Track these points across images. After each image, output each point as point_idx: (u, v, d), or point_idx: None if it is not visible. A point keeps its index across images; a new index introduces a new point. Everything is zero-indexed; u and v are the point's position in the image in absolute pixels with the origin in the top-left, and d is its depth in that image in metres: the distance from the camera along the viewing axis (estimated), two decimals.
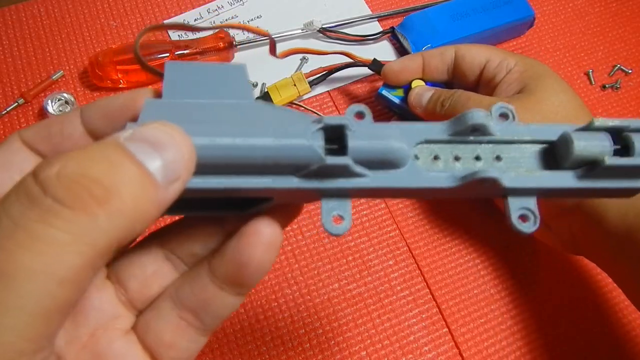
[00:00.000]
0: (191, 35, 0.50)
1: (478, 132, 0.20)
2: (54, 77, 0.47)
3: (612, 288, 0.44)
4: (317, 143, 0.18)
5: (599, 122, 0.20)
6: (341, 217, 0.19)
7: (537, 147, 0.21)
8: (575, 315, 0.43)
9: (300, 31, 0.51)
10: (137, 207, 0.15)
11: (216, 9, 0.53)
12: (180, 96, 0.20)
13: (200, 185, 0.18)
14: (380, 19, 0.53)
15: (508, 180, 0.19)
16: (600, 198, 0.23)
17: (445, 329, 0.41)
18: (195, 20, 0.52)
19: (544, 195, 0.20)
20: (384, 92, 0.46)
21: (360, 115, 0.20)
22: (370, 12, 0.54)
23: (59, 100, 0.45)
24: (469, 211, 0.45)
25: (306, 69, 0.49)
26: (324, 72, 0.48)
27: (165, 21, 0.52)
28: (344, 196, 0.20)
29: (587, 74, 0.53)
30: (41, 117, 0.46)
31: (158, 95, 0.20)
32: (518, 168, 0.20)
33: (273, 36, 0.50)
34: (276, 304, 0.41)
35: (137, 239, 0.22)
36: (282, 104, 0.47)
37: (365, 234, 0.44)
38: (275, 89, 0.47)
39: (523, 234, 0.20)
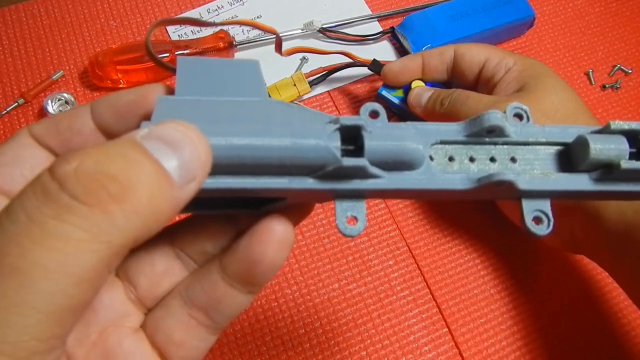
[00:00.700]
0: (191, 35, 0.50)
1: (494, 133, 0.20)
2: (54, 77, 0.47)
3: (612, 288, 0.44)
4: (334, 144, 0.18)
5: (615, 124, 0.19)
6: (355, 218, 0.19)
7: (553, 149, 0.21)
8: (575, 315, 0.43)
9: (300, 31, 0.51)
10: (153, 205, 0.15)
11: (216, 9, 0.53)
12: (193, 93, 0.19)
13: (215, 186, 0.18)
14: (380, 19, 0.53)
15: (523, 183, 0.19)
16: (614, 200, 0.23)
17: (445, 329, 0.41)
18: None
19: (558, 197, 0.20)
20: (384, 93, 0.46)
21: (374, 114, 0.20)
22: (370, 12, 0.54)
23: (59, 100, 0.45)
24: (469, 211, 0.45)
25: (306, 69, 0.49)
26: (324, 72, 0.48)
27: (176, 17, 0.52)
28: (358, 197, 0.19)
29: (587, 74, 0.53)
30: (41, 117, 0.46)
31: (169, 90, 0.20)
32: (533, 170, 0.20)
33: (272, 37, 0.50)
34: (276, 304, 0.41)
35: None
36: None
37: (365, 234, 0.44)
38: (275, 89, 0.47)
39: (536, 237, 0.19)
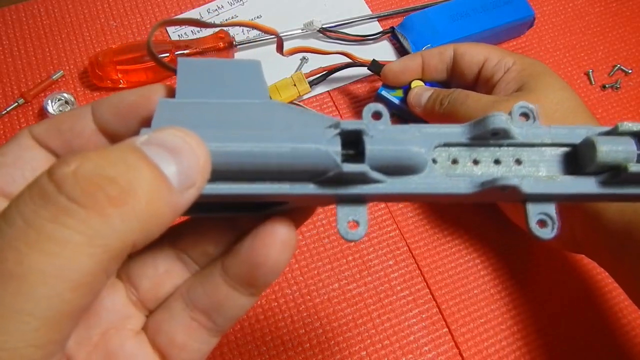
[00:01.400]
0: (191, 35, 0.50)
1: (498, 135, 0.20)
2: (54, 77, 0.47)
3: (612, 288, 0.44)
4: (334, 149, 0.18)
5: (624, 126, 0.19)
6: (357, 223, 0.19)
7: (559, 151, 0.20)
8: (575, 315, 0.43)
9: (300, 31, 0.51)
10: (152, 210, 0.15)
11: (216, 9, 0.53)
12: (194, 94, 0.19)
13: (215, 192, 0.18)
14: (380, 19, 0.53)
15: (528, 187, 0.19)
16: (622, 202, 0.23)
17: (445, 329, 0.41)
18: None
19: (564, 200, 0.20)
20: (384, 93, 0.46)
21: (377, 115, 0.19)
22: (370, 12, 0.54)
23: (59, 100, 0.45)
24: (469, 212, 0.45)
25: (306, 69, 0.49)
26: (324, 72, 0.48)
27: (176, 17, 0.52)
28: (360, 202, 0.19)
29: (587, 74, 0.53)
30: (41, 117, 0.46)
31: (171, 91, 0.20)
32: (538, 172, 0.20)
33: (272, 37, 0.50)
34: (276, 304, 0.41)
35: None
36: None
37: (366, 234, 0.44)
38: (275, 89, 0.47)
39: (541, 240, 0.19)
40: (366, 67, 0.47)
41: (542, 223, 0.19)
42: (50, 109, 0.44)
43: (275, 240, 0.19)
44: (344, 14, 0.53)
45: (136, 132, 0.18)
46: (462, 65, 0.43)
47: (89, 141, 0.20)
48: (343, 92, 0.50)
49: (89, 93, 0.48)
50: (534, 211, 0.19)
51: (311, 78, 0.47)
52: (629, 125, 0.19)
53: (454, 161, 0.20)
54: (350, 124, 0.18)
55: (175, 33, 0.51)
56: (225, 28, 0.50)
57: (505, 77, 0.40)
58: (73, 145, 0.20)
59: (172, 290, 0.21)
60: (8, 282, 0.13)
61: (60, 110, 0.45)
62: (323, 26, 0.50)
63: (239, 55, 0.50)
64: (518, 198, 0.20)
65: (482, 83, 0.42)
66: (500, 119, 0.19)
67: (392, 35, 0.52)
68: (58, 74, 0.47)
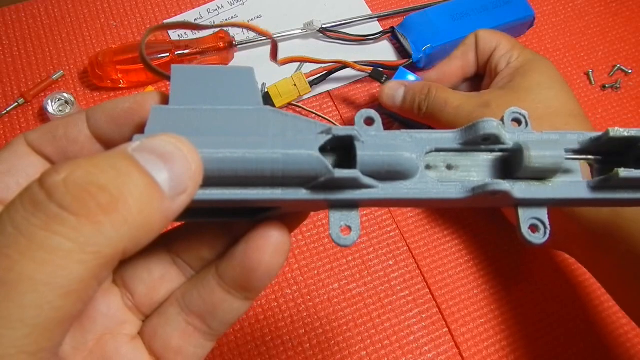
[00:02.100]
0: (191, 35, 0.50)
1: (489, 141, 0.20)
2: (54, 77, 0.47)
3: None
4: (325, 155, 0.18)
5: (614, 131, 0.19)
6: (349, 228, 0.19)
7: (491, 156, 0.20)
8: (576, 315, 0.43)
9: (300, 31, 0.51)
10: (143, 216, 0.15)
11: (216, 9, 0.53)
12: (187, 101, 0.19)
13: (208, 197, 0.18)
14: (380, 19, 0.53)
15: (519, 192, 0.19)
16: (614, 207, 0.23)
17: (445, 329, 0.41)
18: (195, 20, 0.52)
19: (555, 205, 0.20)
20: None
21: (370, 121, 0.20)
22: (370, 12, 0.54)
23: (59, 100, 0.45)
24: (469, 212, 0.45)
25: (306, 69, 0.49)
26: (324, 72, 0.48)
27: (167, 21, 0.52)
28: (352, 207, 0.19)
29: (587, 74, 0.53)
30: (41, 117, 0.46)
31: (164, 98, 0.20)
32: (469, 177, 0.20)
33: (274, 37, 0.50)
34: (276, 304, 0.41)
35: None
36: (282, 104, 0.47)
37: (365, 234, 0.44)
38: (275, 89, 0.46)
39: (532, 245, 0.19)
40: (368, 75, 0.47)
41: (533, 228, 0.19)
42: (50, 109, 0.44)
43: (269, 245, 0.19)
44: (344, 14, 0.52)
45: (130, 139, 0.18)
46: (477, 50, 0.43)
47: (83, 147, 0.20)
48: (343, 92, 0.50)
49: (89, 93, 0.48)
50: (525, 216, 0.20)
51: (311, 78, 0.47)
52: (619, 131, 0.19)
53: (447, 167, 0.20)
54: (342, 129, 0.18)
55: (175, 33, 0.51)
56: (225, 28, 0.50)
57: (504, 71, 0.40)
58: (68, 152, 0.20)
59: (167, 295, 0.21)
60: None
61: (60, 111, 0.45)
62: (323, 26, 0.50)
63: (239, 55, 0.50)
64: (510, 203, 0.20)
65: (488, 71, 0.42)
66: (491, 125, 0.19)
67: (392, 35, 0.52)
68: (58, 74, 0.47)
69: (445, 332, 0.41)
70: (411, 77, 0.45)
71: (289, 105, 0.48)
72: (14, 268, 0.13)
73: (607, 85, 0.53)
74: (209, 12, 0.52)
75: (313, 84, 0.48)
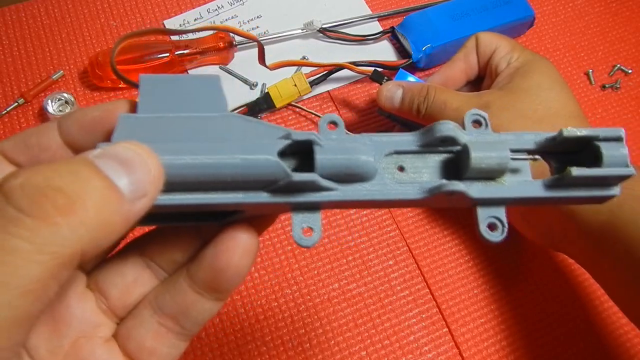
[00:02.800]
0: (191, 35, 0.50)
1: (447, 142, 0.20)
2: (54, 77, 0.47)
3: None
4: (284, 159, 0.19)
5: (568, 131, 0.20)
6: (311, 229, 0.20)
7: (442, 157, 0.21)
8: (576, 315, 0.43)
9: (300, 31, 0.51)
10: (101, 218, 0.15)
11: (216, 9, 0.53)
12: (155, 109, 0.20)
13: (171, 202, 0.18)
14: (380, 19, 0.53)
15: (475, 192, 0.20)
16: (570, 205, 0.23)
17: (445, 329, 0.41)
18: (195, 20, 0.52)
19: (513, 204, 0.21)
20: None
21: (333, 125, 0.20)
22: (370, 12, 0.54)
23: (59, 100, 0.45)
24: (469, 212, 0.45)
25: (306, 69, 0.49)
26: (324, 72, 0.48)
27: (137, 31, 0.52)
28: (313, 209, 0.20)
29: (587, 74, 0.53)
30: (41, 117, 0.46)
31: (133, 106, 0.20)
32: (421, 178, 0.21)
33: (271, 37, 0.50)
34: (276, 304, 0.41)
35: (117, 248, 0.23)
36: (282, 104, 0.47)
37: (365, 234, 0.44)
38: (275, 89, 0.46)
39: (490, 243, 0.20)
40: (368, 77, 0.47)
41: (492, 226, 0.20)
42: (50, 108, 0.44)
43: (236, 247, 0.20)
44: (344, 14, 0.53)
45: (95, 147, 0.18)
46: (477, 52, 0.43)
47: (55, 155, 0.20)
48: (343, 92, 0.50)
49: (89, 93, 0.48)
50: (483, 215, 0.20)
51: (312, 78, 0.47)
52: (573, 131, 0.20)
53: (403, 169, 0.21)
54: (301, 134, 0.19)
55: None
56: None
57: (504, 71, 0.40)
58: (40, 160, 0.20)
59: (140, 298, 0.22)
60: None
61: (60, 111, 0.45)
62: (323, 26, 0.50)
63: (239, 54, 0.50)
64: (468, 203, 0.20)
65: (488, 72, 0.42)
66: (447, 127, 0.20)
67: (392, 35, 0.52)
68: (58, 74, 0.47)
69: (445, 332, 0.41)
70: (411, 78, 0.45)
71: (289, 105, 0.48)
72: None
73: (607, 85, 0.53)
74: (209, 12, 0.52)
75: (313, 83, 0.48)
